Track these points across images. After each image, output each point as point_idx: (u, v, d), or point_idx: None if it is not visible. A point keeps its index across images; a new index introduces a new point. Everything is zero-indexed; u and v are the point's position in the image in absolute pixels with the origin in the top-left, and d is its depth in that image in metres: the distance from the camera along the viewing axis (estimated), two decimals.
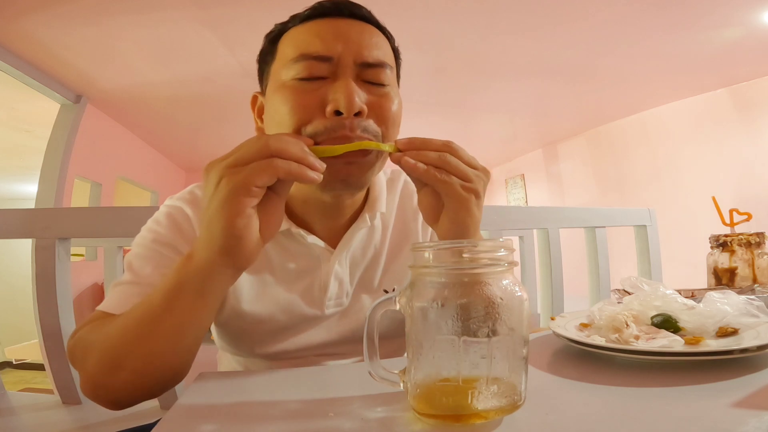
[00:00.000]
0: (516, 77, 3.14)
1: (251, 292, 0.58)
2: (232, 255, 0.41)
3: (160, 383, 0.45)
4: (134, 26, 2.28)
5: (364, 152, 0.50)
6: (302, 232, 0.58)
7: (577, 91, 3.44)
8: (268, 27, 0.58)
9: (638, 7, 2.22)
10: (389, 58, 0.56)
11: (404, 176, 0.71)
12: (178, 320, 0.43)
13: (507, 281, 0.33)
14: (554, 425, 0.32)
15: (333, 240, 0.60)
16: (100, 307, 0.53)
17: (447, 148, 0.47)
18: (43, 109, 3.02)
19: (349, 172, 0.51)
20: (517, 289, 0.33)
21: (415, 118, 3.80)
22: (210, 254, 0.41)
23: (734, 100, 3.28)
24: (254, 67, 0.62)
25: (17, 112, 3.16)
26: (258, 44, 0.60)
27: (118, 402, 0.46)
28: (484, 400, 0.31)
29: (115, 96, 3.16)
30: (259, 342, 0.60)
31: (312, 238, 0.59)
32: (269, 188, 0.41)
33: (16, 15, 2.10)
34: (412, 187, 0.69)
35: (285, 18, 0.58)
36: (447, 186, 0.46)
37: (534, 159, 5.50)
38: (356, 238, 0.61)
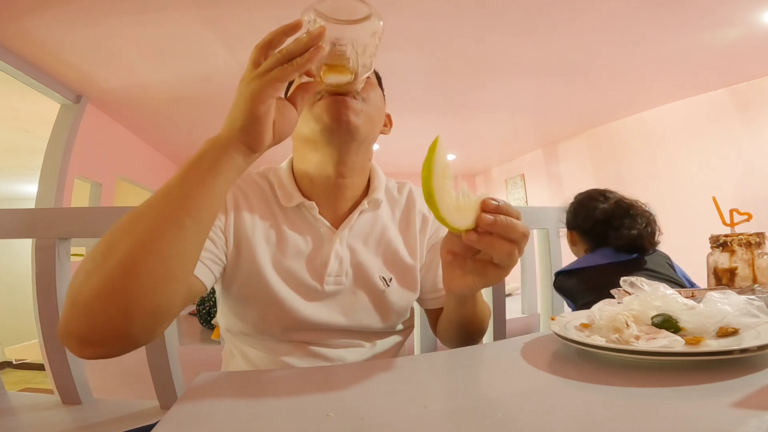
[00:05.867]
0: (516, 77, 3.13)
1: (265, 257, 0.65)
2: (249, 133, 0.47)
3: (142, 299, 0.40)
4: (134, 26, 2.27)
5: (347, 96, 0.60)
6: (313, 205, 0.67)
7: (577, 91, 3.43)
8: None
9: (638, 7, 2.22)
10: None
11: (410, 186, 0.80)
12: (185, 192, 0.44)
13: None
14: (554, 425, 0.32)
15: (336, 224, 0.70)
16: None
17: (525, 239, 0.45)
18: (43, 109, 3.02)
19: (339, 110, 0.60)
20: None
21: (416, 118, 3.79)
22: (231, 131, 0.47)
23: (734, 100, 3.28)
24: None
25: (17, 112, 3.16)
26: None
27: (93, 326, 0.41)
28: None
29: (115, 96, 3.15)
30: (265, 312, 0.65)
31: (319, 216, 0.68)
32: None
33: (16, 15, 2.10)
34: (417, 196, 0.78)
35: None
36: (501, 274, 0.46)
37: (534, 159, 5.49)
38: (358, 221, 0.70)
